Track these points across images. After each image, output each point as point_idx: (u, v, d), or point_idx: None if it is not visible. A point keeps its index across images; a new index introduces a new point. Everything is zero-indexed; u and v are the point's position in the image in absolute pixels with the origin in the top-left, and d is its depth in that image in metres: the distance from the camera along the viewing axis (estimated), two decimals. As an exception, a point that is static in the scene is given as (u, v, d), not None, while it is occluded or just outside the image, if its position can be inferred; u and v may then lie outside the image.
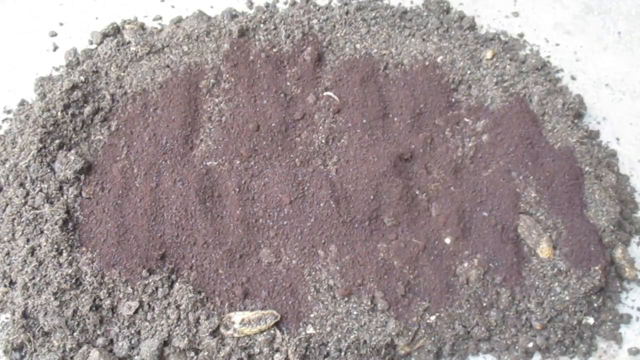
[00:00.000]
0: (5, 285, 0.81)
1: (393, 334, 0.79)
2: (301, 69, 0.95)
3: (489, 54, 0.98)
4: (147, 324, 0.79)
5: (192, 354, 0.77)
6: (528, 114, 0.93)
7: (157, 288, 0.80)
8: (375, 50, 0.98)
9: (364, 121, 0.90)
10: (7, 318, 0.80)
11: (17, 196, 0.83)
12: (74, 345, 0.77)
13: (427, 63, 0.94)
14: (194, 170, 0.87)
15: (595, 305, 0.84)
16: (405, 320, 0.80)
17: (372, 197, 0.85)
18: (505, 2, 1.10)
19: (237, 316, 0.79)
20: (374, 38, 0.99)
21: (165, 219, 0.84)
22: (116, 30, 1.01)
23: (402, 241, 0.84)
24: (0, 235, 0.83)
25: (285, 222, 0.85)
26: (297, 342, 0.78)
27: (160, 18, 1.06)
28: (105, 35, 1.00)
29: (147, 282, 0.80)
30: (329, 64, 0.97)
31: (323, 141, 0.89)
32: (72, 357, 0.77)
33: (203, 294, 0.80)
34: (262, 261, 0.83)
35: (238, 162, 0.88)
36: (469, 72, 0.95)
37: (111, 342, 0.79)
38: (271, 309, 0.80)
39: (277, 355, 0.78)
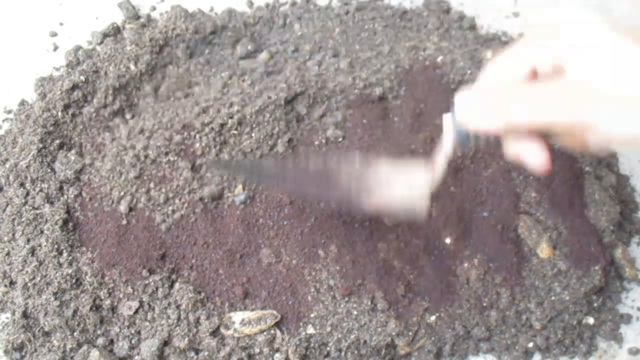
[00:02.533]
0: (5, 285, 0.82)
1: (393, 334, 0.79)
2: (301, 69, 0.95)
3: (489, 54, 0.98)
4: (147, 323, 0.79)
5: (193, 354, 0.78)
6: (528, 114, 0.93)
7: (157, 288, 0.80)
8: (376, 50, 0.98)
9: (364, 121, 0.90)
10: (7, 318, 0.80)
11: (17, 196, 0.83)
12: (74, 345, 0.77)
13: (427, 63, 0.94)
14: (194, 170, 0.87)
15: (595, 305, 0.84)
16: (405, 320, 0.80)
17: (372, 197, 0.85)
18: (505, 2, 1.10)
19: (237, 316, 0.79)
20: (374, 38, 1.00)
21: (166, 219, 0.84)
22: (116, 30, 1.01)
23: (402, 241, 0.84)
24: (1, 235, 0.83)
25: (285, 222, 0.85)
26: (297, 342, 0.78)
27: (161, 18, 1.06)
28: (105, 35, 1.00)
29: (147, 282, 0.80)
30: (329, 64, 0.97)
31: (323, 141, 0.89)
32: (72, 357, 0.77)
33: (203, 294, 0.81)
34: (262, 261, 0.83)
35: (238, 162, 0.88)
36: (469, 72, 0.94)
37: (111, 342, 0.79)
38: (271, 309, 0.80)
39: (277, 355, 0.78)
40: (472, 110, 0.53)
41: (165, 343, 0.78)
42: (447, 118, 0.58)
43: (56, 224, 0.81)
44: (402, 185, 0.65)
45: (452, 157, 0.63)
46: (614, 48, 0.46)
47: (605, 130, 0.46)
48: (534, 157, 0.53)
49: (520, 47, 0.52)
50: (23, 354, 0.78)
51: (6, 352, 0.77)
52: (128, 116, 0.90)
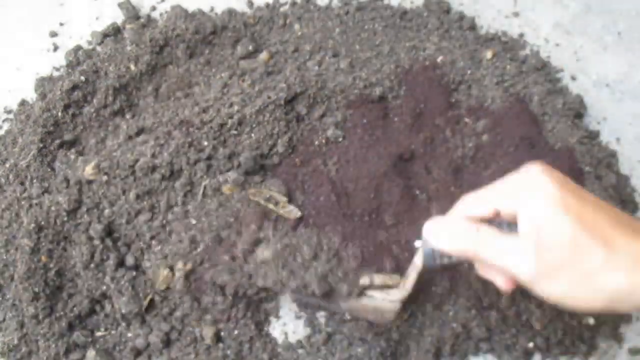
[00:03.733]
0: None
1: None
2: (301, 69, 0.95)
3: (489, 54, 0.98)
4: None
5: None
6: (528, 114, 0.93)
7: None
8: (375, 50, 0.98)
9: (364, 121, 0.90)
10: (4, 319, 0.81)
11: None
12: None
13: (427, 63, 0.94)
14: (194, 170, 0.87)
15: (596, 305, 0.84)
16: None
17: (372, 196, 0.85)
18: (505, 2, 1.10)
19: (237, 316, 0.80)
20: (374, 38, 1.00)
21: (166, 218, 0.84)
22: (116, 31, 1.01)
23: (403, 239, 0.84)
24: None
25: (285, 222, 0.85)
26: (297, 342, 0.78)
27: (161, 18, 1.06)
28: (105, 35, 1.00)
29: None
30: (329, 64, 0.97)
31: (323, 141, 0.89)
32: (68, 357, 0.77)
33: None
34: (262, 261, 0.83)
35: (238, 162, 0.88)
36: (469, 72, 0.95)
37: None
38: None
39: (277, 355, 0.78)
40: (441, 233, 0.63)
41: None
42: (420, 241, 0.68)
43: (56, 223, 0.81)
44: (378, 299, 0.74)
45: (421, 272, 0.71)
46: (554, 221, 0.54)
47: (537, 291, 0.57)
48: (499, 282, 0.64)
49: (487, 192, 0.63)
50: (22, 354, 0.78)
51: (2, 353, 0.77)
52: (128, 116, 0.90)
